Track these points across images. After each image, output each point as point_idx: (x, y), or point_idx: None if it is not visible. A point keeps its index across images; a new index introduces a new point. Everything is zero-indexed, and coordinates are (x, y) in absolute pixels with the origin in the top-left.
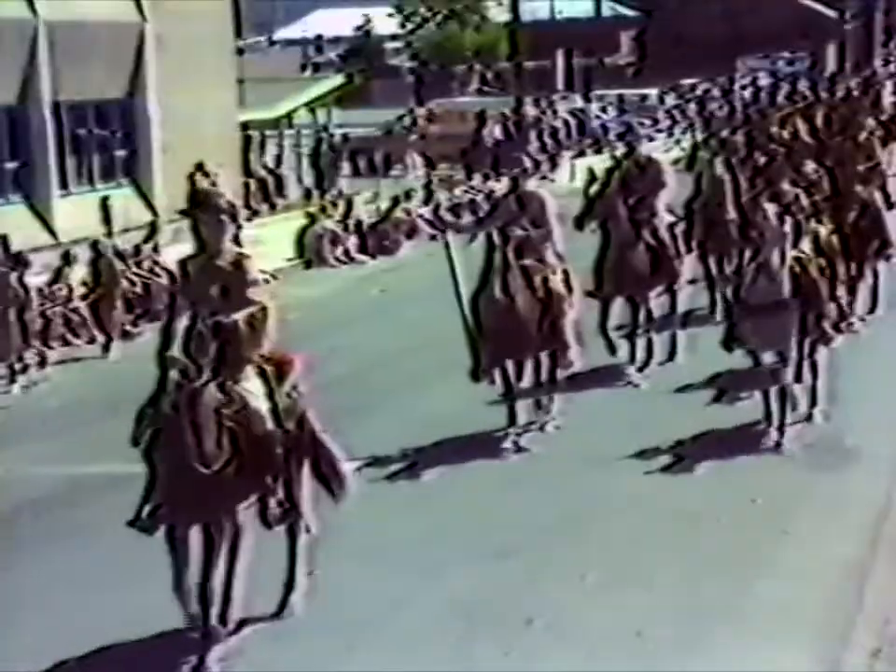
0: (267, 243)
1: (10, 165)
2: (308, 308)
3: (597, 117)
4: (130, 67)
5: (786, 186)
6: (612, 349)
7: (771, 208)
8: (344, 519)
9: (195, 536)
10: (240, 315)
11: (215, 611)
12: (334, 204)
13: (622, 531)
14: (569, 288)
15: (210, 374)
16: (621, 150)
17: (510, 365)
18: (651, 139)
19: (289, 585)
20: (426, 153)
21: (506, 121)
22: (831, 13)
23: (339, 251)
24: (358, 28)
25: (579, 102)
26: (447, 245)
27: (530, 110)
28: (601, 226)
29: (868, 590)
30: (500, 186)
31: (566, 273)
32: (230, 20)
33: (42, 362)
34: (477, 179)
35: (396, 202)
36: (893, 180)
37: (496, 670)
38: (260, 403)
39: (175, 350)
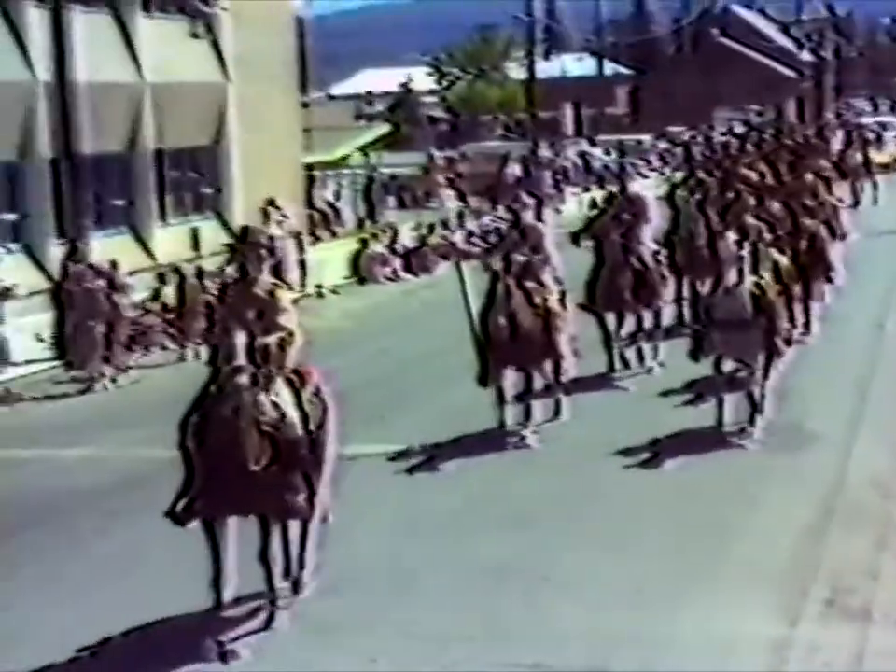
0: (329, 263)
1: (119, 202)
2: (361, 317)
3: (600, 158)
4: (216, 119)
5: (750, 220)
6: (612, 362)
7: (730, 237)
8: (386, 495)
9: (231, 525)
10: (271, 340)
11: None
12: (383, 231)
13: (616, 508)
14: (565, 307)
15: (249, 387)
16: (615, 187)
17: (511, 373)
18: (644, 177)
19: (301, 565)
20: (459, 188)
21: (524, 162)
22: (791, 74)
23: (387, 270)
24: (402, 85)
25: (585, 146)
26: (459, 271)
27: (544, 153)
28: (595, 249)
29: (824, 550)
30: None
31: (562, 293)
32: (296, 79)
33: (127, 369)
34: (501, 210)
35: (433, 229)
36: (845, 213)
37: (519, 619)
38: (291, 411)
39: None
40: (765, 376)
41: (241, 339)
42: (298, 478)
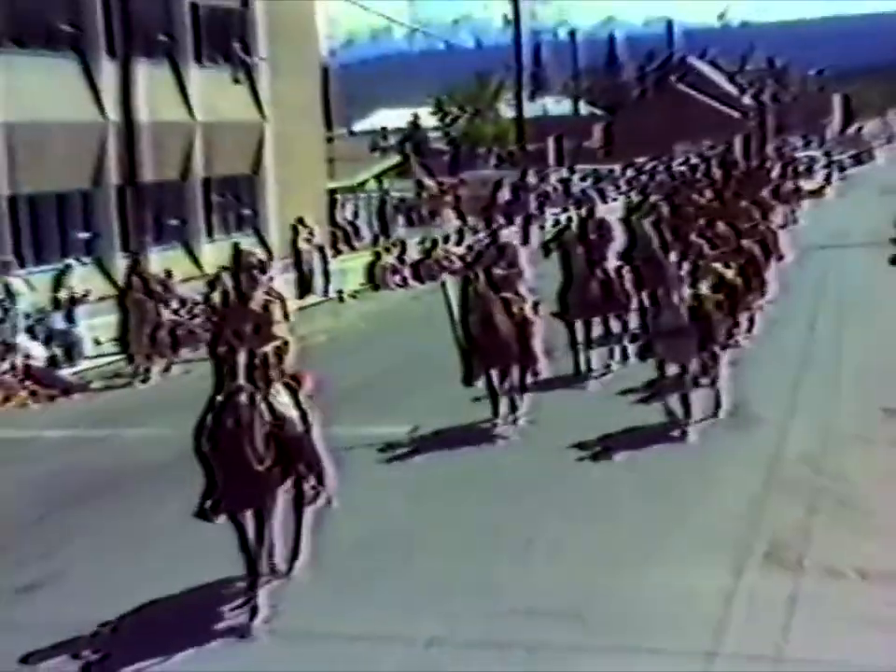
0: (349, 273)
1: (173, 222)
2: (376, 318)
3: (578, 184)
4: (254, 152)
5: (693, 239)
6: (588, 365)
7: (672, 256)
8: (396, 470)
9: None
10: (268, 349)
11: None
12: (394, 246)
13: (587, 486)
14: (537, 315)
15: (251, 393)
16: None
17: (493, 372)
18: (615, 200)
19: (296, 548)
20: (459, 209)
21: (514, 187)
22: (737, 115)
23: (397, 278)
24: (411, 122)
25: (565, 173)
26: (443, 285)
27: (531, 179)
28: (564, 265)
29: (764, 514)
30: (509, 232)
31: (535, 303)
32: (321, 118)
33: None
34: (494, 227)
35: (436, 243)
36: (782, 233)
37: (509, 573)
38: (291, 411)
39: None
40: (707, 375)
41: (242, 356)
42: (303, 469)
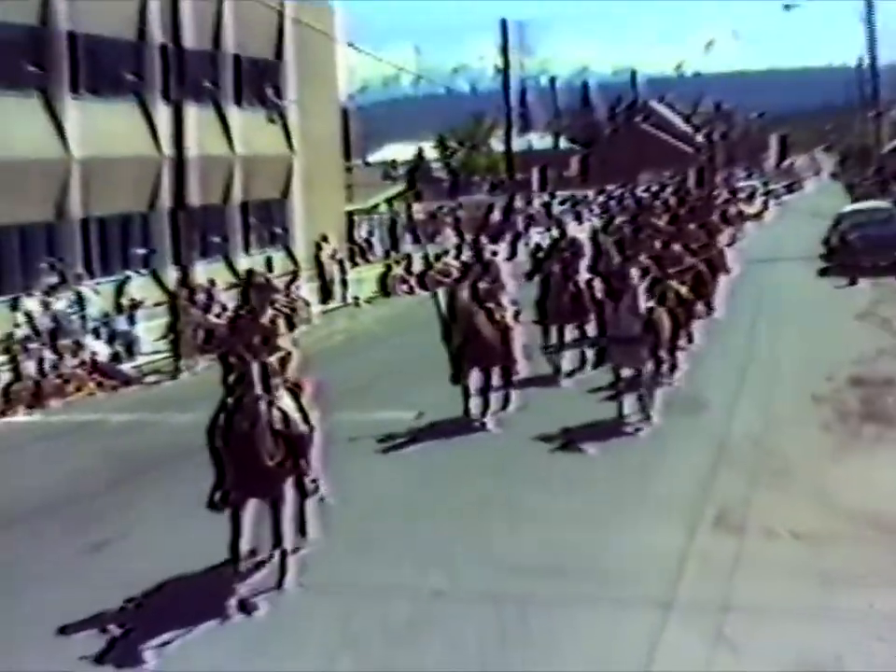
0: (364, 282)
1: (216, 239)
2: (386, 321)
3: (558, 207)
4: (284, 180)
5: (644, 259)
6: (556, 366)
7: (633, 272)
8: (398, 450)
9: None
10: (273, 359)
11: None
12: (403, 259)
13: (563, 465)
14: (518, 322)
15: (260, 397)
16: (557, 231)
17: (476, 372)
18: (589, 220)
19: (302, 531)
20: (458, 228)
21: (504, 210)
22: (691, 150)
23: (405, 287)
24: (416, 154)
25: (546, 198)
26: (435, 296)
27: (518, 203)
28: (541, 279)
29: (713, 484)
30: (500, 248)
31: (516, 312)
32: (341, 151)
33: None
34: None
35: (438, 257)
36: (728, 251)
37: (499, 533)
38: (294, 413)
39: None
40: (655, 378)
41: (254, 365)
42: (305, 465)
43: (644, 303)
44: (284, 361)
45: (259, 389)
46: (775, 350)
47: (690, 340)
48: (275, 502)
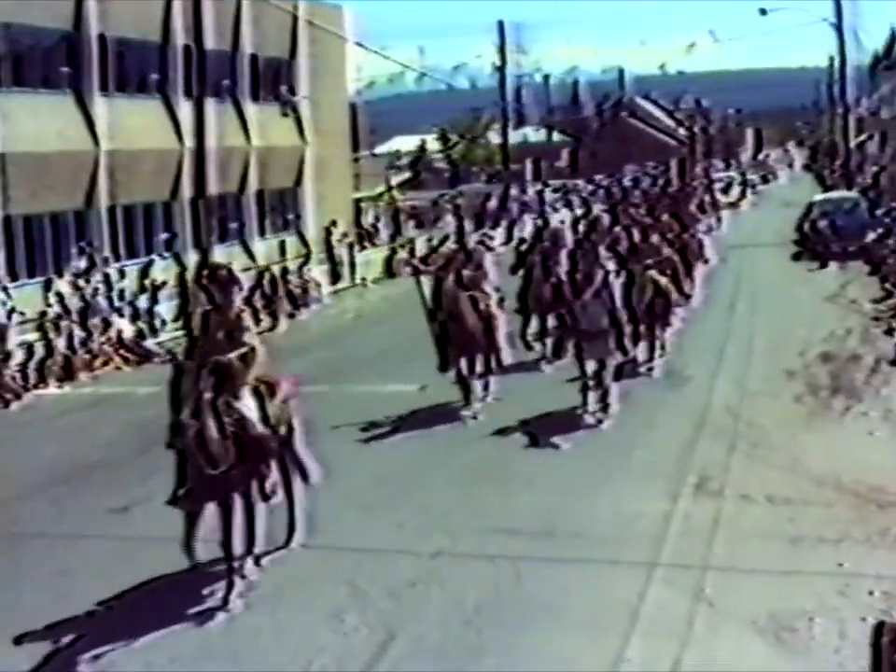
0: (371, 264)
1: (233, 225)
2: (391, 301)
3: (550, 195)
4: (296, 170)
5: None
6: (529, 347)
7: (611, 265)
8: (402, 420)
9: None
10: (232, 356)
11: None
12: (406, 243)
13: (553, 436)
14: (502, 310)
15: (212, 396)
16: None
17: (464, 361)
18: (576, 209)
19: (291, 527)
20: (458, 215)
21: (501, 198)
22: (673, 143)
23: (408, 269)
24: (419, 147)
25: (540, 187)
26: (418, 283)
27: (514, 192)
28: (525, 269)
29: (694, 453)
30: (498, 234)
31: (500, 300)
32: (349, 143)
33: None
34: (485, 229)
35: (441, 242)
36: (706, 239)
37: (495, 501)
38: (253, 414)
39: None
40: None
41: (207, 366)
42: (264, 467)
43: (616, 295)
44: (246, 359)
45: (209, 390)
46: (751, 328)
47: (667, 325)
48: (227, 509)
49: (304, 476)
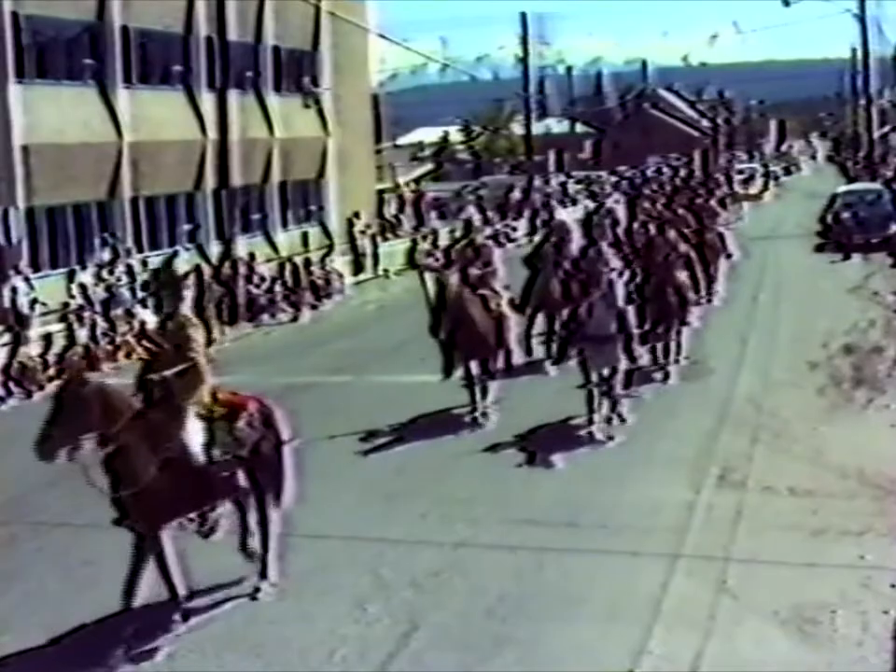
0: (393, 255)
1: (256, 216)
2: (413, 292)
3: (573, 186)
4: (320, 161)
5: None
6: (529, 352)
7: (615, 262)
8: (424, 410)
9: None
10: (168, 373)
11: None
12: (429, 234)
13: (572, 431)
14: (513, 310)
15: (143, 416)
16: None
17: (473, 363)
18: (599, 199)
19: (265, 551)
20: (480, 206)
21: (523, 189)
22: (696, 134)
23: (431, 260)
24: (442, 138)
25: (563, 178)
26: (422, 279)
27: (537, 183)
28: (533, 267)
29: (717, 444)
30: (521, 224)
31: (511, 299)
32: (372, 134)
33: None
34: (508, 220)
35: (464, 233)
36: (729, 234)
37: (515, 490)
38: (196, 438)
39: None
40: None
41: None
42: (202, 499)
43: (621, 297)
44: (187, 377)
45: (145, 408)
46: (774, 319)
47: (684, 325)
48: (153, 545)
49: (277, 498)
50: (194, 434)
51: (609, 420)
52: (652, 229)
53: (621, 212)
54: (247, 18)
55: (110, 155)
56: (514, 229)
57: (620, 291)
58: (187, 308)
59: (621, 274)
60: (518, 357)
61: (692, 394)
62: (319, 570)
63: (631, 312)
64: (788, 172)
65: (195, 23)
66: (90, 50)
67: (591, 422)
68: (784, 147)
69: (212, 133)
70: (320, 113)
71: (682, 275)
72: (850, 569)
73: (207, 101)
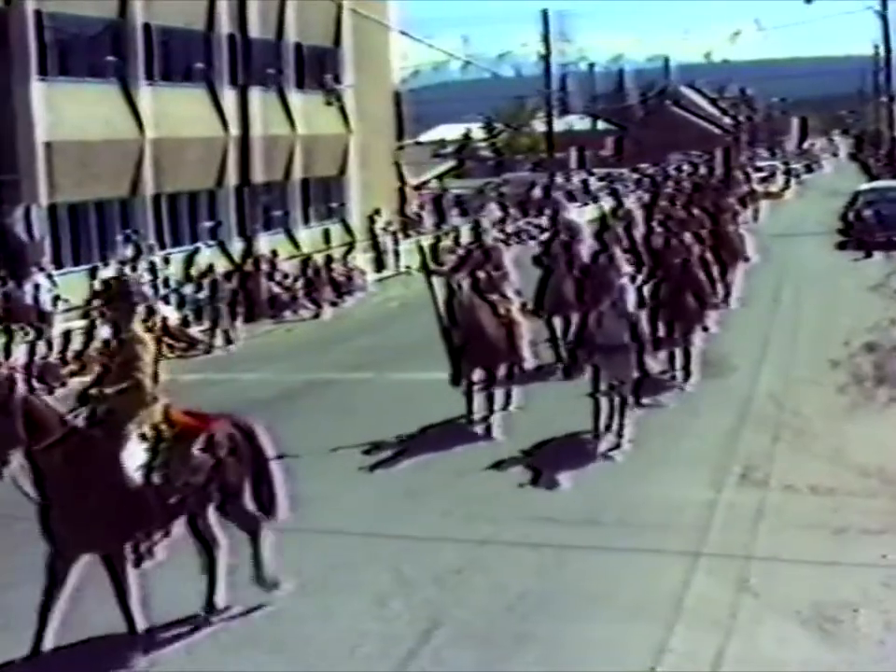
0: (414, 253)
1: (278, 213)
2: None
3: (595, 183)
4: (341, 158)
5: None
6: (560, 359)
7: (626, 268)
8: (445, 408)
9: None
10: (109, 391)
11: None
12: (451, 231)
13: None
14: (525, 316)
15: (77, 433)
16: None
17: (480, 372)
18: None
19: (212, 586)
20: (502, 203)
21: (545, 186)
22: (718, 132)
23: (453, 258)
24: (464, 135)
25: (584, 175)
26: (430, 283)
27: (558, 180)
28: (544, 267)
29: (739, 442)
30: (544, 221)
31: (523, 304)
32: (394, 131)
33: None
34: (530, 217)
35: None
36: (748, 236)
37: (538, 489)
38: (130, 460)
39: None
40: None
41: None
42: (138, 527)
43: (632, 303)
44: (129, 397)
45: (87, 428)
46: (795, 317)
47: (705, 329)
48: (110, 563)
49: (254, 528)
50: (131, 456)
51: (619, 433)
52: (669, 229)
53: (639, 213)
54: (269, 15)
55: (132, 152)
56: (536, 226)
57: (631, 298)
58: (138, 323)
59: (633, 279)
60: (530, 364)
61: (712, 391)
62: (340, 567)
63: (644, 318)
64: (809, 169)
65: (217, 20)
66: (112, 48)
67: (597, 437)
68: (806, 145)
69: (234, 130)
70: (342, 110)
71: (699, 278)
72: (872, 568)
73: (229, 98)
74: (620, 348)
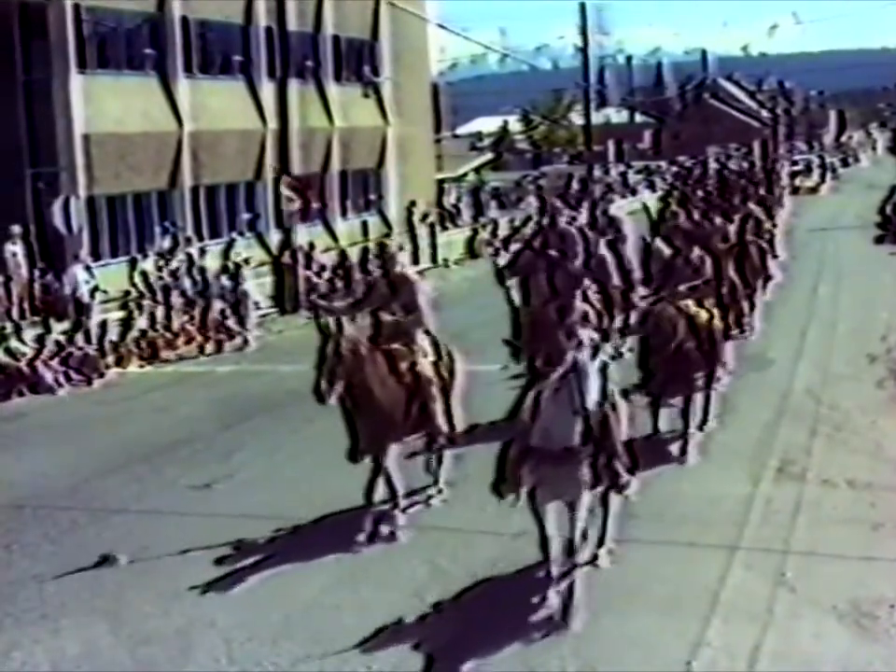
0: (452, 245)
1: (316, 205)
2: (474, 280)
3: (633, 176)
4: (379, 150)
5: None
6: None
7: (641, 290)
8: (486, 400)
9: None
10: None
11: None
12: (488, 224)
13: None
14: (450, 369)
15: None
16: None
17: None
18: (656, 190)
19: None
20: (540, 196)
21: (583, 179)
22: (756, 124)
23: (490, 250)
24: (501, 127)
25: (622, 168)
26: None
27: (596, 173)
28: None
29: (776, 436)
30: (581, 215)
31: (449, 354)
32: (432, 124)
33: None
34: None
35: (523, 223)
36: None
37: None
38: None
39: None
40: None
41: None
42: None
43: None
44: None
45: None
46: (834, 311)
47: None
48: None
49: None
50: None
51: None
52: (673, 244)
53: (627, 221)
54: (307, 8)
55: (170, 144)
56: (574, 218)
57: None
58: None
59: (603, 333)
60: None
61: (750, 385)
62: (377, 559)
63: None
64: (845, 163)
65: (255, 14)
66: (150, 41)
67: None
68: (843, 138)
69: (272, 123)
70: (380, 102)
71: (704, 313)
72: None
73: (267, 90)
74: (566, 456)
